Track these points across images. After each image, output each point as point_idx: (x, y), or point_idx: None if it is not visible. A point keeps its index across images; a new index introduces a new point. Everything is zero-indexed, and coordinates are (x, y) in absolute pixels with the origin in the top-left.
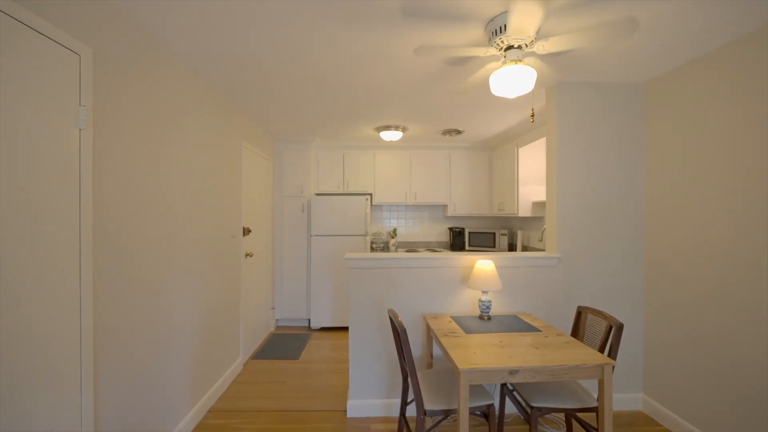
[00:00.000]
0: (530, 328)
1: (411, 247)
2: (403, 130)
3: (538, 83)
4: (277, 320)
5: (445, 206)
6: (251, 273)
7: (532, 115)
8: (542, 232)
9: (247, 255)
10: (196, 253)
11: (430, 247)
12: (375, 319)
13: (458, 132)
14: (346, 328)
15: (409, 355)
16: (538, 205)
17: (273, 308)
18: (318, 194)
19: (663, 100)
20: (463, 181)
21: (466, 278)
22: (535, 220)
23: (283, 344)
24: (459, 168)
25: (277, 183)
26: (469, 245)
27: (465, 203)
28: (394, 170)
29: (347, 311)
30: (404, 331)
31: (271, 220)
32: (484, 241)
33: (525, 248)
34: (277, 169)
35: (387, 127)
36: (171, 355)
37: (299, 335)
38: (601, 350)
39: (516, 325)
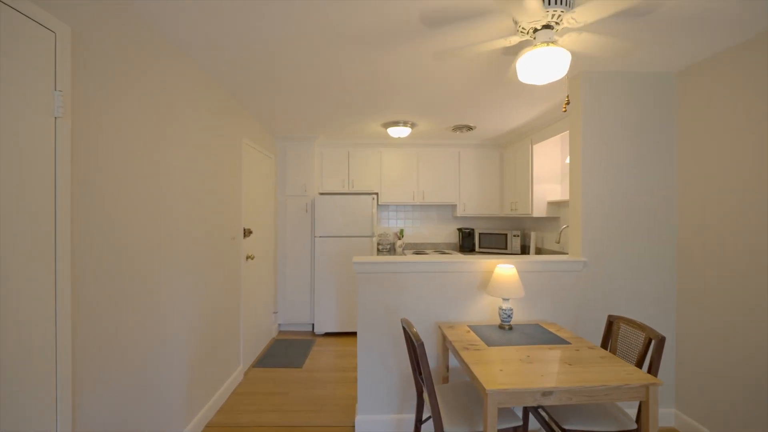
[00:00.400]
0: (557, 340)
1: (418, 249)
2: (412, 126)
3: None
4: (279, 325)
5: (453, 206)
6: (252, 276)
7: (567, 103)
8: (560, 234)
9: (248, 258)
10: (193, 254)
11: (438, 249)
12: (386, 328)
13: (469, 128)
14: (351, 334)
15: (428, 371)
16: (554, 205)
17: (275, 313)
18: (322, 194)
19: (697, 90)
20: (473, 180)
21: (484, 284)
22: (549, 221)
23: (286, 351)
24: (468, 166)
25: (279, 182)
26: (480, 247)
27: (475, 203)
28: (401, 169)
29: (352, 316)
30: (422, 344)
31: (273, 220)
32: (496, 243)
33: (539, 250)
34: (280, 167)
35: (395, 123)
36: (165, 364)
37: (303, 341)
38: (639, 365)
39: (541, 336)
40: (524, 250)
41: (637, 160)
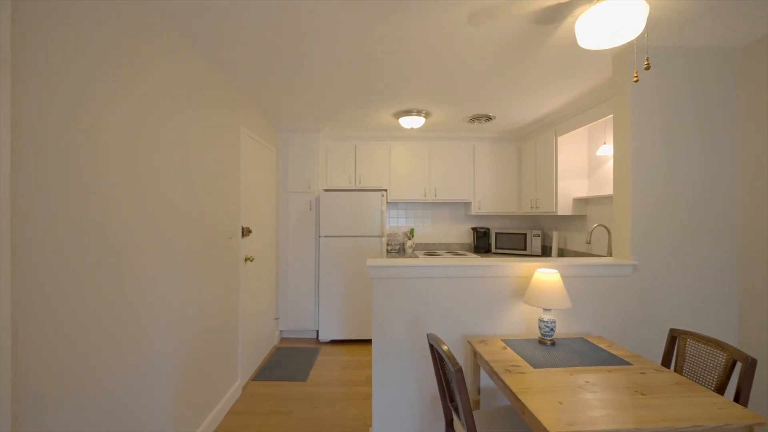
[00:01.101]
0: (614, 360)
1: (429, 249)
2: (426, 115)
3: (604, 50)
4: (281, 332)
5: (467, 204)
6: (251, 280)
7: (646, 66)
8: (590, 234)
9: (246, 259)
10: (183, 256)
11: (451, 250)
12: (405, 342)
13: (488, 118)
14: (358, 341)
15: (467, 404)
16: (580, 202)
17: (277, 319)
18: (327, 190)
19: (764, 67)
20: (489, 176)
21: (519, 291)
22: (573, 220)
23: (289, 361)
24: (484, 161)
25: (281, 177)
26: (496, 247)
27: (491, 200)
28: (412, 164)
29: (360, 323)
30: (460, 370)
31: (275, 218)
32: (514, 243)
33: (561, 251)
34: (282, 161)
35: (408, 112)
36: (146, 386)
37: (306, 350)
38: (719, 392)
39: (592, 354)
40: (545, 251)
41: (697, 147)
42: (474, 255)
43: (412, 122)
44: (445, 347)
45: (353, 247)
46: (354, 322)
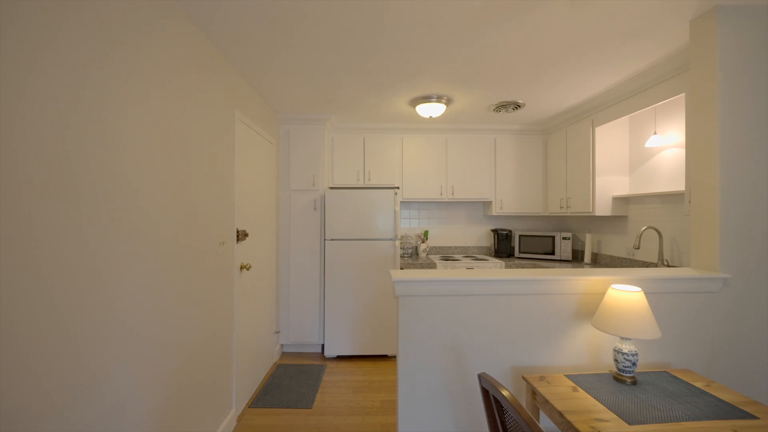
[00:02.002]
0: (730, 410)
1: (445, 254)
2: (447, 102)
3: (677, 11)
4: (282, 346)
5: (487, 203)
6: (248, 290)
7: None
8: (639, 237)
9: (242, 268)
10: (164, 268)
11: (469, 254)
12: (439, 375)
13: (516, 106)
14: (369, 358)
15: None
16: (621, 201)
17: (277, 332)
18: (333, 188)
19: None
20: (512, 173)
21: (582, 311)
22: (609, 221)
23: (291, 382)
24: (506, 156)
25: (282, 173)
26: (520, 251)
27: (514, 199)
28: (427, 159)
29: (371, 337)
30: None
31: (275, 220)
32: (540, 247)
33: (595, 257)
34: (283, 155)
35: (427, 99)
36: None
37: (311, 367)
38: None
39: (692, 398)
40: (576, 257)
41: None
42: (495, 260)
43: (431, 110)
44: (506, 393)
45: (363, 251)
46: (364, 337)
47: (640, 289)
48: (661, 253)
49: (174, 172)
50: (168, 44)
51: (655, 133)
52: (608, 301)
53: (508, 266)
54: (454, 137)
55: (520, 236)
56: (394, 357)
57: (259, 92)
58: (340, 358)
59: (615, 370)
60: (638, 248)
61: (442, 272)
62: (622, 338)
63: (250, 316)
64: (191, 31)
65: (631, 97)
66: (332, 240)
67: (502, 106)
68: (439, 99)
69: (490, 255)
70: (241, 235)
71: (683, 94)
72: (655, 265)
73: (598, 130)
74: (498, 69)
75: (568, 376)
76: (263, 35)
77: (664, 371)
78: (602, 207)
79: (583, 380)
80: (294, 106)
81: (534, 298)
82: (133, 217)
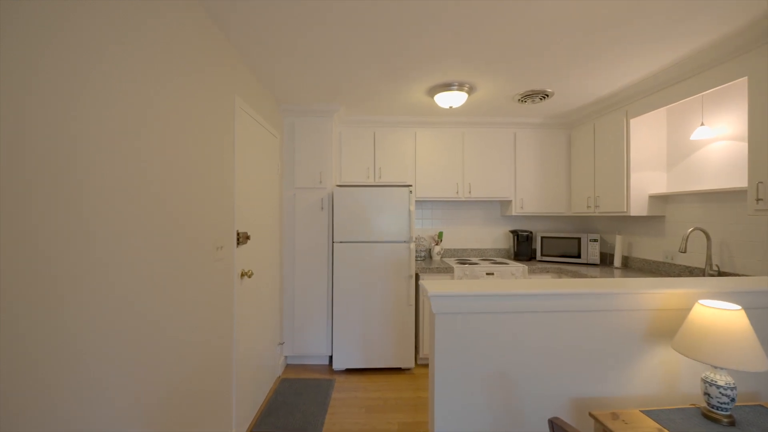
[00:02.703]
0: None
1: (461, 256)
2: (470, 90)
3: None
4: (286, 358)
5: (506, 203)
6: (250, 300)
7: None
8: (685, 240)
9: (243, 275)
10: (145, 279)
11: (486, 256)
12: (483, 406)
13: (544, 96)
14: (381, 371)
15: None
16: (658, 200)
17: (281, 344)
18: (341, 186)
19: None
20: (533, 170)
21: (659, 331)
22: (641, 222)
23: (297, 399)
24: (527, 152)
25: (287, 169)
26: (542, 254)
27: (535, 199)
28: (442, 155)
29: (383, 348)
30: None
31: (278, 221)
32: (564, 249)
33: (626, 260)
34: (288, 150)
35: (447, 86)
36: None
37: (318, 382)
38: None
39: None
40: (605, 260)
41: None
42: (516, 263)
43: (451, 99)
44: None
45: (374, 254)
46: (375, 348)
47: (740, 306)
48: (709, 258)
49: (160, 165)
50: (155, 12)
51: (702, 124)
52: (696, 320)
53: (531, 271)
54: (472, 132)
55: (542, 238)
56: (408, 370)
57: (260, 78)
58: (349, 371)
59: (703, 404)
60: (685, 252)
61: (486, 284)
62: (715, 367)
63: (251, 328)
64: (186, 3)
65: (675, 85)
66: (341, 242)
67: (528, 96)
68: (461, 87)
69: (509, 258)
70: (241, 238)
71: (742, 79)
72: (702, 272)
73: (633, 122)
74: (530, 49)
75: (646, 413)
76: (266, 8)
77: (760, 405)
78: (638, 206)
79: (666, 419)
80: (299, 94)
81: (597, 316)
82: (107, 220)
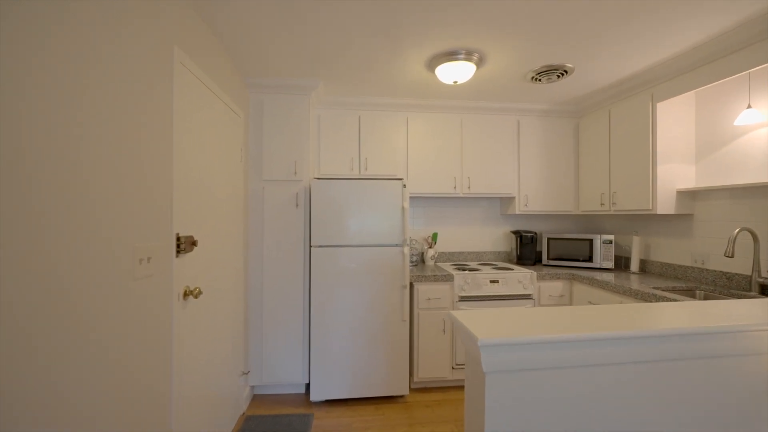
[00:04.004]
0: None
1: (456, 260)
2: (479, 61)
3: None
4: (253, 388)
5: (507, 200)
6: (199, 325)
7: None
8: (732, 242)
9: (187, 294)
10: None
11: (485, 260)
12: None
13: (562, 73)
14: (369, 401)
15: None
16: (686, 196)
17: (246, 373)
18: (320, 178)
19: None
20: (538, 162)
21: None
22: (665, 221)
23: None
24: (531, 142)
25: (253, 157)
26: (549, 257)
27: (540, 195)
28: (438, 143)
29: (373, 372)
30: None
31: (242, 221)
32: (574, 252)
33: (644, 264)
34: (255, 133)
35: (452, 55)
36: None
37: (292, 419)
38: None
39: None
40: (620, 264)
41: None
42: (521, 268)
43: (456, 72)
44: None
45: (361, 261)
46: (362, 374)
47: None
48: (757, 263)
49: (29, 137)
50: None
51: (749, 107)
52: None
53: (540, 277)
54: (471, 118)
55: (549, 239)
56: (402, 398)
57: (217, 32)
58: (330, 402)
59: None
60: (732, 256)
61: (560, 316)
62: None
63: (201, 362)
64: None
65: (717, 60)
66: (320, 246)
67: (543, 73)
68: (468, 56)
69: (511, 262)
70: (185, 245)
71: None
72: (747, 279)
73: (660, 107)
74: (556, 12)
75: None
76: None
77: None
78: (665, 203)
79: None
80: (269, 62)
81: (706, 366)
82: None
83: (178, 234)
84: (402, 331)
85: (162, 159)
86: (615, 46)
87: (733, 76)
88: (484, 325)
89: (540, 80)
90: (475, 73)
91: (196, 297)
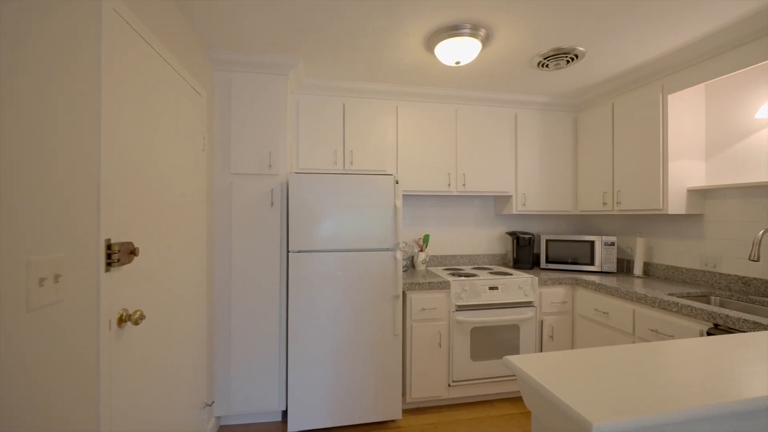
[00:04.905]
0: None
1: (449, 264)
2: (485, 39)
3: None
4: (219, 419)
5: (503, 199)
6: (142, 356)
7: None
8: (758, 243)
9: (122, 320)
10: None
11: (480, 264)
12: None
13: (572, 58)
14: (354, 429)
15: None
16: (697, 195)
17: (210, 404)
18: (299, 172)
19: None
20: (536, 159)
21: None
22: (671, 222)
23: None
24: (530, 136)
25: (219, 146)
26: (548, 261)
27: (538, 194)
28: (430, 136)
29: (361, 396)
30: None
31: (204, 221)
32: (574, 255)
33: (648, 267)
34: (222, 118)
35: (456, 30)
36: None
37: None
38: None
39: None
40: (622, 267)
41: None
42: (520, 272)
43: (459, 51)
44: None
45: (347, 267)
46: (349, 397)
47: None
48: None
49: None
50: None
51: None
52: None
53: (542, 283)
54: (466, 109)
55: (547, 241)
56: (393, 422)
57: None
58: None
59: None
60: (758, 260)
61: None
62: None
63: (149, 396)
64: None
65: (736, 49)
66: (299, 252)
67: (552, 58)
68: (474, 31)
69: (507, 265)
70: (119, 254)
71: None
72: (766, 284)
73: (671, 98)
74: None
75: None
76: None
77: None
78: (676, 202)
79: None
80: (238, 31)
81: None
82: None
83: (108, 240)
84: (394, 347)
85: (82, 140)
86: (632, 29)
87: (751, 67)
88: (574, 386)
89: (547, 66)
90: (479, 55)
91: (136, 323)
